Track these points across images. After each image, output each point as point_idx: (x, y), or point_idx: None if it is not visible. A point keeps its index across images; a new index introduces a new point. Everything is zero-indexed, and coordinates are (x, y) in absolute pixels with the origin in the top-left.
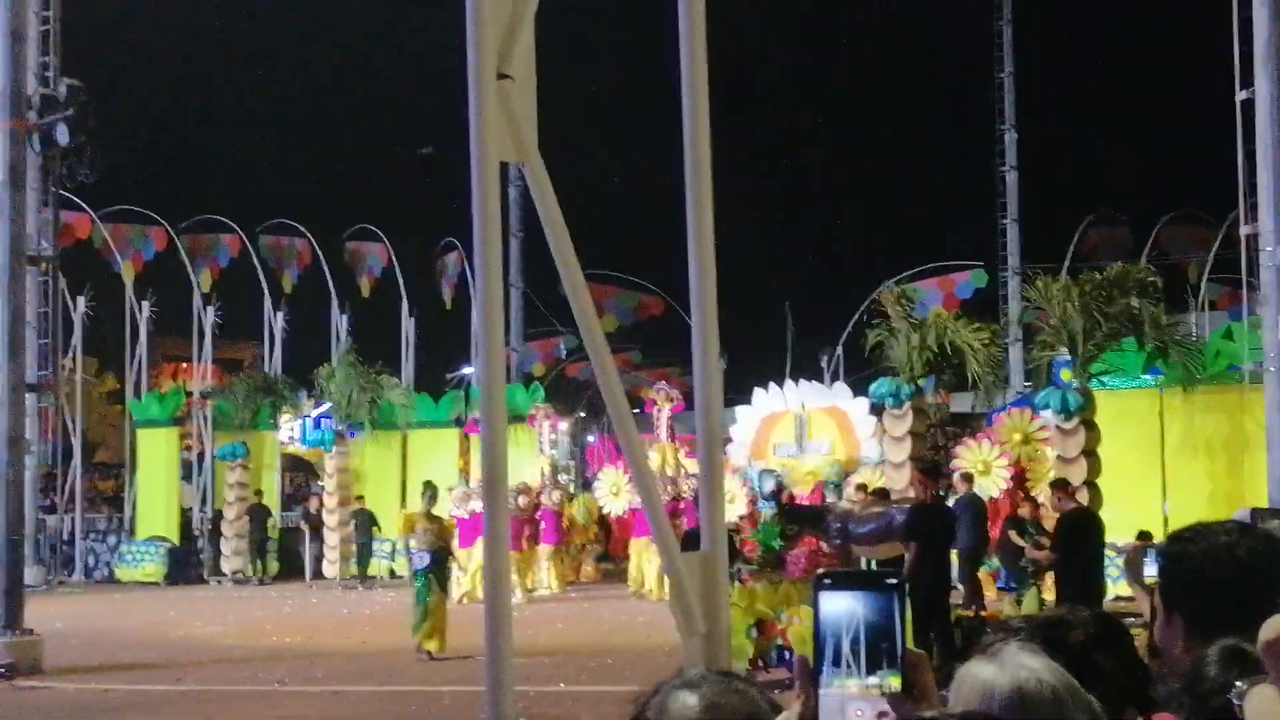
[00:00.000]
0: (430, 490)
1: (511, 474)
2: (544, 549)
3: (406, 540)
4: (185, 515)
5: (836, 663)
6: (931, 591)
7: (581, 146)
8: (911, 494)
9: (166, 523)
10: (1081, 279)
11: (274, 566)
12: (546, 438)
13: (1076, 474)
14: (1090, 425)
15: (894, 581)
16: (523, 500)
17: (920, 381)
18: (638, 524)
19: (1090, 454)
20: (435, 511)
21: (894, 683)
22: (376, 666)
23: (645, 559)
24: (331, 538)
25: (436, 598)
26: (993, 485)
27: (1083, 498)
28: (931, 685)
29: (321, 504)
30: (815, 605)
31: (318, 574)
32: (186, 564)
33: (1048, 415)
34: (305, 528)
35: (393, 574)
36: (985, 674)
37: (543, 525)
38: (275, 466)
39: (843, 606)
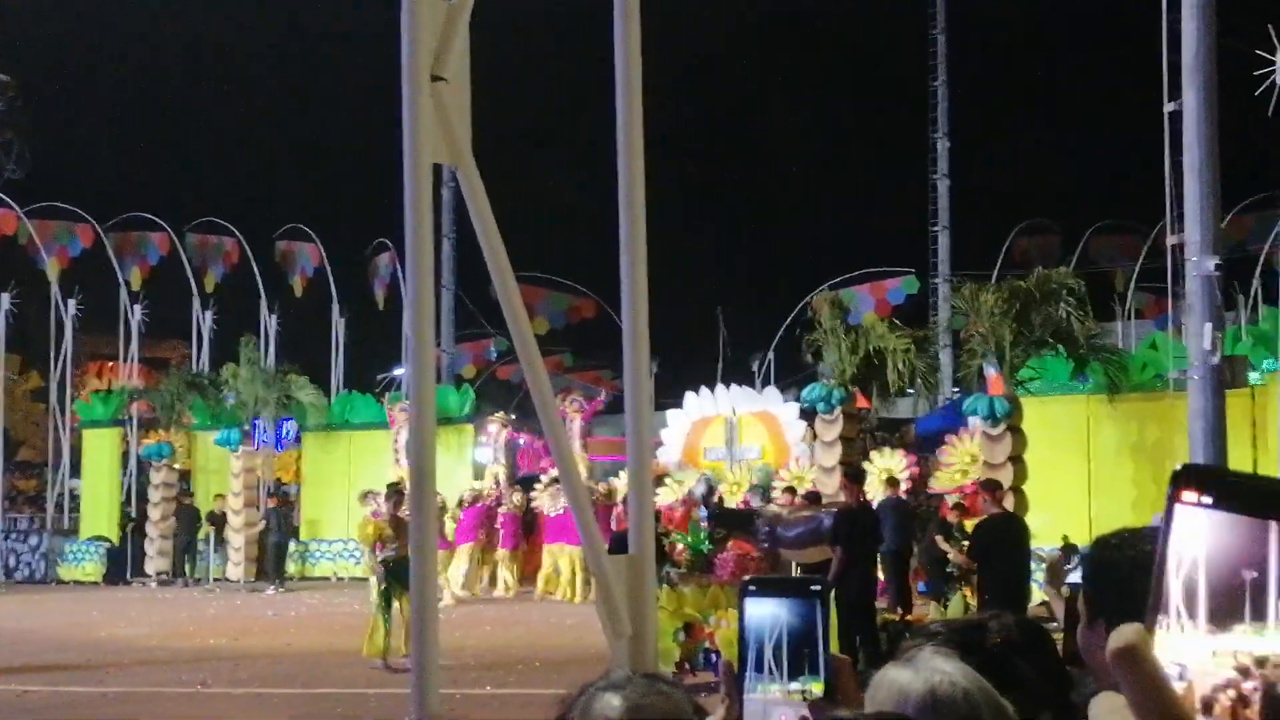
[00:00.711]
0: (395, 495)
1: (443, 478)
2: (502, 553)
3: (373, 549)
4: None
5: (760, 668)
6: (858, 596)
7: (516, 148)
8: (842, 499)
9: (108, 523)
10: (1006, 286)
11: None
12: (500, 447)
13: (1003, 479)
14: (1017, 431)
15: (817, 588)
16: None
17: (850, 386)
18: (552, 528)
19: (1016, 460)
20: (401, 515)
21: (816, 688)
22: (301, 668)
23: (561, 562)
24: (236, 539)
25: (399, 609)
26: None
27: (1009, 503)
28: (854, 690)
29: (227, 505)
30: (740, 611)
31: (222, 576)
32: (124, 564)
33: (975, 421)
34: (210, 529)
35: (337, 576)
36: (900, 678)
37: (501, 531)
38: (222, 470)
39: (766, 612)
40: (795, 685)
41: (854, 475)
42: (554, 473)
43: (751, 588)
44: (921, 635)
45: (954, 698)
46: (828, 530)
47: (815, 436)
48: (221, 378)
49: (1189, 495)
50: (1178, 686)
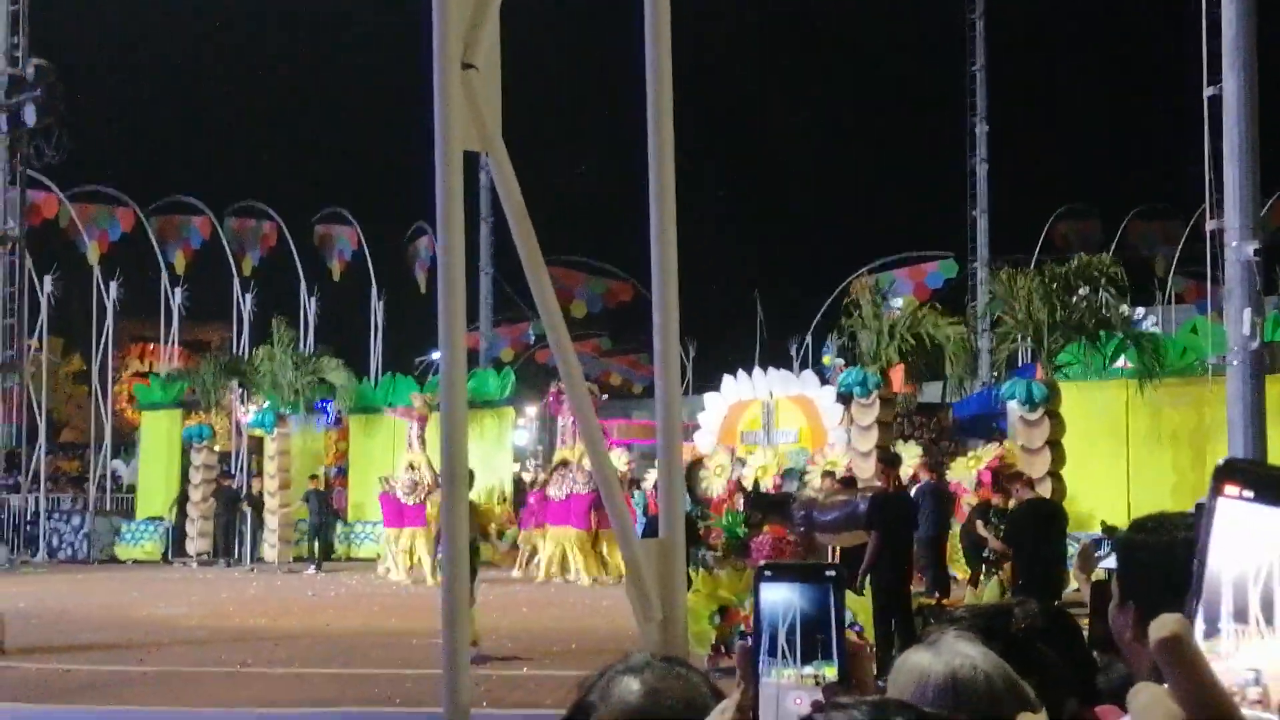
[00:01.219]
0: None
1: (483, 462)
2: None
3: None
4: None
5: (774, 652)
6: (892, 581)
7: (551, 132)
8: (877, 483)
9: (164, 503)
10: (1045, 270)
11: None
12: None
13: (1040, 465)
14: (1054, 416)
15: (832, 574)
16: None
17: (887, 371)
18: (556, 511)
19: (1054, 444)
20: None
21: (829, 673)
22: (340, 649)
23: (566, 545)
24: (272, 521)
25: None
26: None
27: (1046, 488)
28: (869, 676)
29: (264, 486)
30: (755, 596)
31: (257, 557)
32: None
33: (1013, 406)
34: (248, 509)
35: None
36: (921, 661)
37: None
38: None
39: (781, 598)
40: (809, 670)
41: (890, 460)
42: (560, 456)
43: (767, 573)
44: (946, 620)
45: (974, 680)
46: (863, 514)
47: (852, 421)
48: (258, 360)
49: (1231, 489)
50: (1254, 692)
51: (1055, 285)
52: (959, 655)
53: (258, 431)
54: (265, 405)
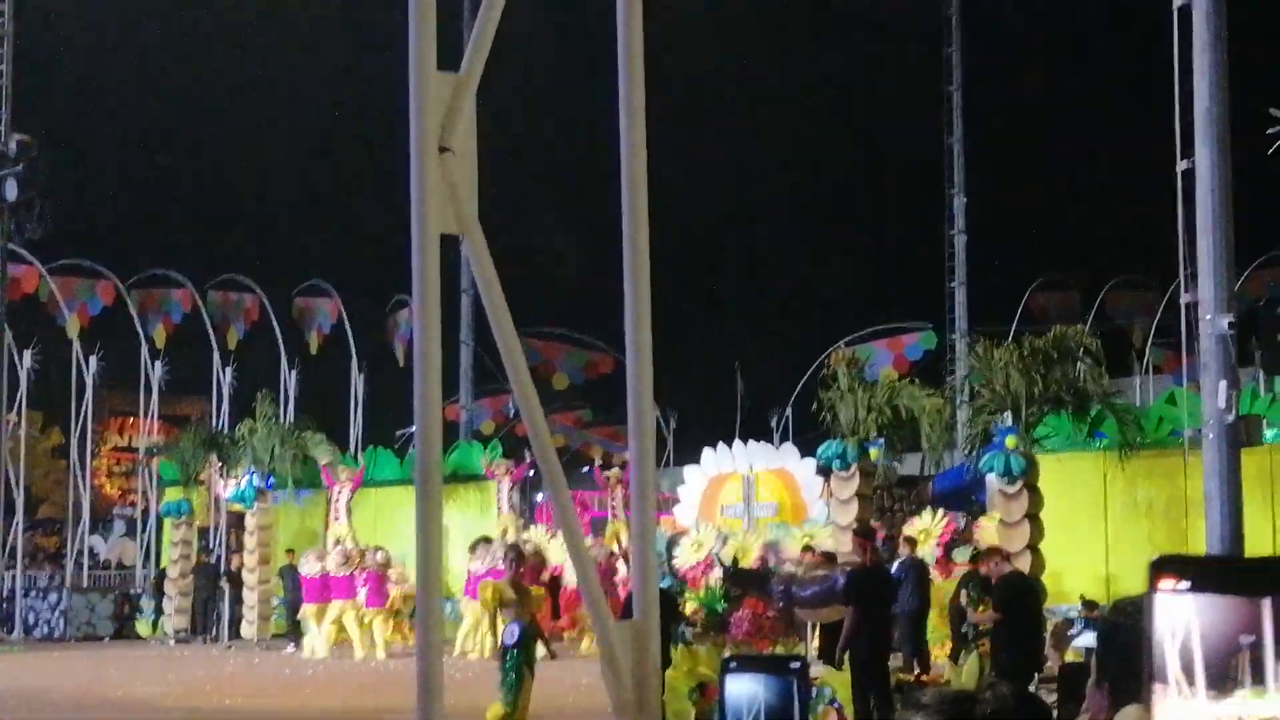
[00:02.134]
0: (515, 555)
1: (470, 535)
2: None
3: (491, 614)
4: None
5: None
6: (870, 656)
7: (531, 206)
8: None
9: None
10: (1023, 343)
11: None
12: (505, 494)
13: (1019, 539)
14: (1033, 489)
15: (796, 666)
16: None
17: (868, 440)
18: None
19: (1033, 518)
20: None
21: None
22: None
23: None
24: (250, 597)
25: (526, 678)
26: (927, 553)
27: (1025, 562)
28: None
29: (243, 562)
30: (720, 687)
31: (235, 634)
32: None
33: (991, 479)
34: (226, 586)
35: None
36: None
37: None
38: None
39: (745, 689)
40: None
41: (864, 533)
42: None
43: (732, 664)
44: (911, 706)
45: None
46: (841, 590)
47: (832, 494)
48: (238, 434)
49: (1166, 583)
50: None
51: (1033, 358)
52: None
53: (237, 506)
54: (246, 480)
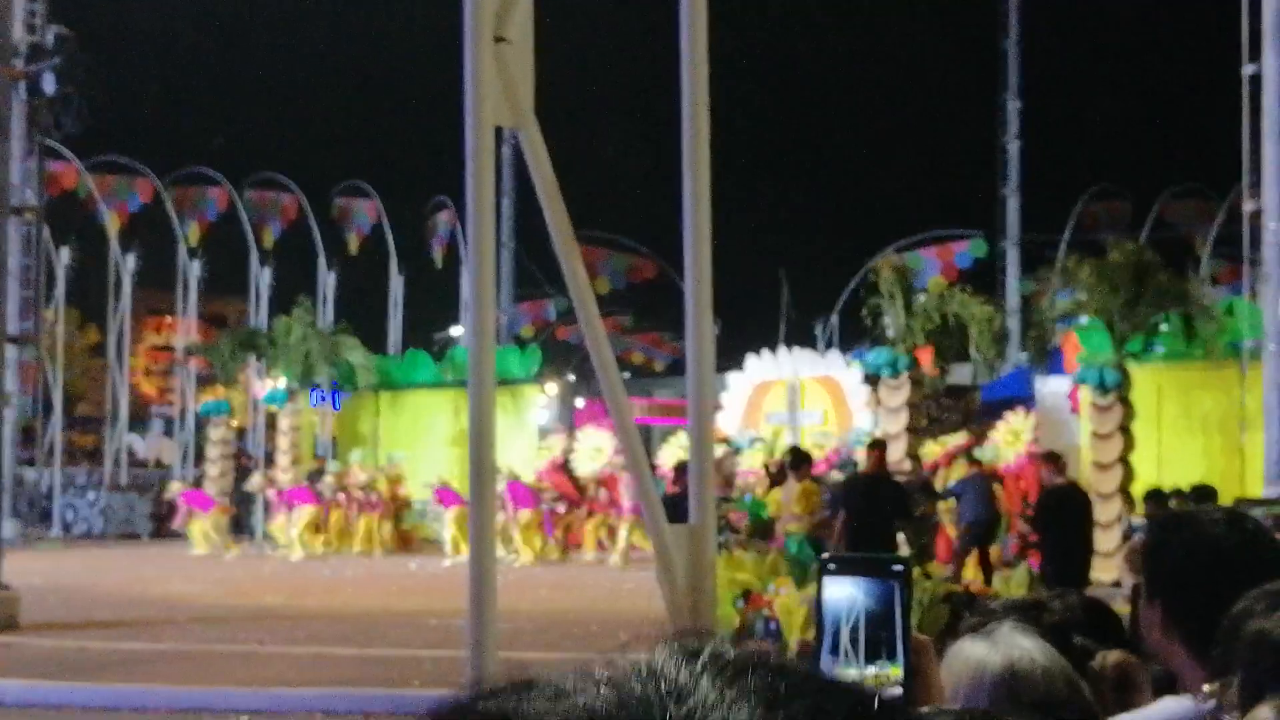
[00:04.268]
0: (804, 461)
1: (503, 442)
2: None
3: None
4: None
5: (835, 651)
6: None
7: (578, 108)
8: (907, 466)
9: None
10: (1127, 252)
11: None
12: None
13: (1111, 450)
14: (1125, 402)
15: (899, 568)
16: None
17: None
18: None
19: (1125, 430)
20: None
21: (894, 673)
22: (358, 629)
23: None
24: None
25: None
26: (1010, 454)
27: (1116, 474)
28: (934, 674)
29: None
30: (818, 590)
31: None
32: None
33: (1085, 391)
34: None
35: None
36: (978, 652)
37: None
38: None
39: (844, 594)
40: (873, 670)
41: (873, 443)
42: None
43: (830, 566)
44: (980, 613)
45: (1033, 675)
46: (831, 496)
47: (879, 402)
48: (276, 335)
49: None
50: None
51: (1128, 269)
52: (1017, 648)
53: (272, 407)
54: (283, 380)
